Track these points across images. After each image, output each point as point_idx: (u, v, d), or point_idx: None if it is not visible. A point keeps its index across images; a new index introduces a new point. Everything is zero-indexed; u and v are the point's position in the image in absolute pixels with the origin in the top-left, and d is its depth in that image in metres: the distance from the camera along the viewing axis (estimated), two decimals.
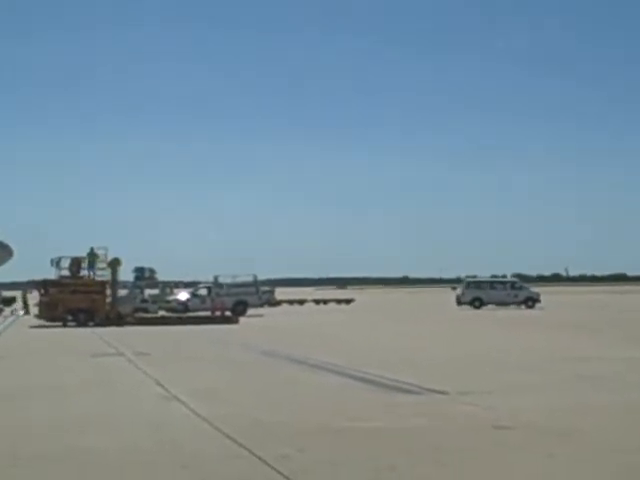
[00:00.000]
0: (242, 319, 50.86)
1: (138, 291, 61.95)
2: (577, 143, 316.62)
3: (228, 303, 58.60)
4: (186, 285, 73.02)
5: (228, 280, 63.94)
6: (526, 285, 77.87)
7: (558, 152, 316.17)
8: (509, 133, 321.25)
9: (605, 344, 28.92)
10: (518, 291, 72.03)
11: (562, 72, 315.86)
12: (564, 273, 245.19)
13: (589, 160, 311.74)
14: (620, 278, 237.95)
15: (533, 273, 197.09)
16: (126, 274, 61.19)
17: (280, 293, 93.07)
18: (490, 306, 69.58)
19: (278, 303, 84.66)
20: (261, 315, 58.64)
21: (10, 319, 58.93)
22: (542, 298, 71.71)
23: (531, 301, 70.22)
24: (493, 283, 75.09)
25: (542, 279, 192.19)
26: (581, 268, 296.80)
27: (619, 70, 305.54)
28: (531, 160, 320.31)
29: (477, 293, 71.57)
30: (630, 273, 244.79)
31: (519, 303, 70.11)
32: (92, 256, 50.38)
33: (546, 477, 9.44)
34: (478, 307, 69.47)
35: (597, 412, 13.69)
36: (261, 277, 70.20)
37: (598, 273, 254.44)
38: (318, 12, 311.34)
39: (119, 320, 46.61)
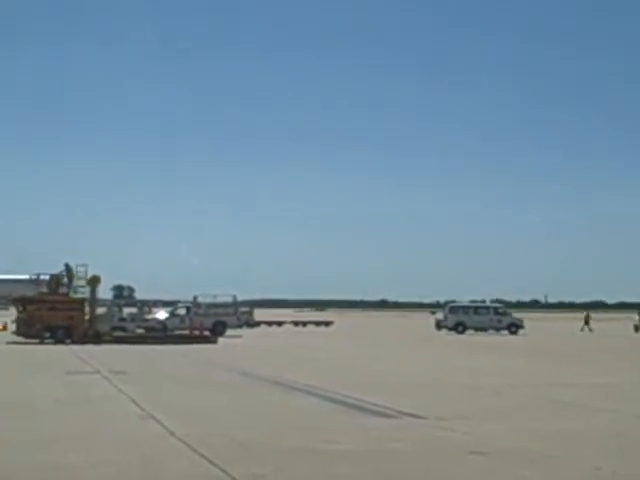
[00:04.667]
0: (220, 339, 50.69)
1: (116, 309, 61.61)
2: (554, 168, 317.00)
3: (207, 323, 58.32)
4: (165, 304, 72.71)
5: (207, 300, 63.69)
6: (509, 311, 77.78)
7: (536, 176, 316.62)
8: (485, 158, 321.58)
9: (585, 371, 28.96)
10: (501, 317, 71.79)
11: (540, 97, 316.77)
12: (543, 299, 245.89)
13: (570, 186, 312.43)
14: (599, 305, 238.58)
15: (511, 299, 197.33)
16: (105, 292, 60.94)
17: (259, 314, 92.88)
18: (470, 331, 69.48)
19: (257, 324, 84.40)
20: (240, 336, 58.48)
21: None
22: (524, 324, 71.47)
23: (514, 327, 69.89)
24: (477, 308, 74.89)
25: (521, 305, 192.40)
26: (559, 295, 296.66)
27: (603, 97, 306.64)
28: (509, 186, 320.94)
29: (460, 318, 71.39)
30: (609, 300, 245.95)
31: (502, 329, 69.94)
32: (68, 271, 50.18)
33: None
34: (461, 332, 69.35)
35: (571, 438, 13.71)
36: (240, 298, 70.04)
37: (577, 300, 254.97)
38: (306, 32, 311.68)
39: (97, 338, 46.29)
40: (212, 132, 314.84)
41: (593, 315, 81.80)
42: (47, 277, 50.35)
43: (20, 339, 46.83)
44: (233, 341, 51.44)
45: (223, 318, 61.99)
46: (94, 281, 49.98)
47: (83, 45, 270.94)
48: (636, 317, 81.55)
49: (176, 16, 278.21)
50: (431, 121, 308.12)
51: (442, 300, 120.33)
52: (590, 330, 75.75)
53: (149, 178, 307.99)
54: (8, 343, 44.87)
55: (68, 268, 50.47)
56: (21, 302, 49.23)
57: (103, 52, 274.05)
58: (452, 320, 71.58)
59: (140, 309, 64.86)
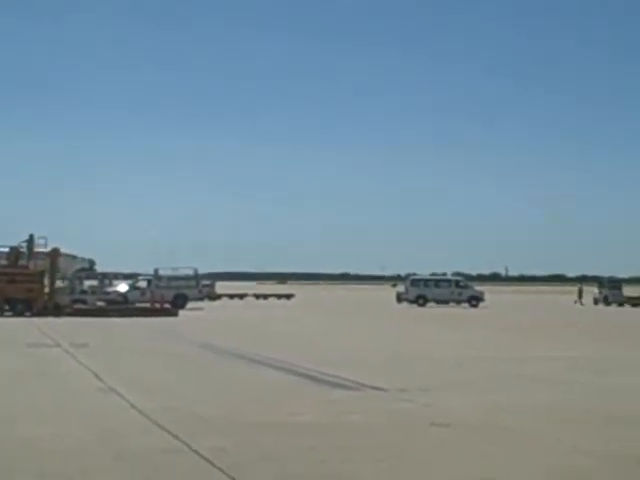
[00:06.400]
0: (182, 312, 50.59)
1: (77, 282, 61.37)
2: (515, 142, 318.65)
3: (168, 296, 58.17)
4: (126, 277, 72.47)
5: (168, 273, 63.66)
6: (470, 284, 78.29)
7: (498, 151, 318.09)
8: (447, 132, 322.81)
9: (548, 344, 29.14)
10: (462, 290, 72.28)
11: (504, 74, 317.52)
12: (504, 272, 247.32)
13: (530, 160, 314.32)
14: (559, 278, 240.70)
15: (472, 272, 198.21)
16: None
17: (220, 287, 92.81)
18: (431, 304, 69.87)
19: (218, 297, 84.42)
20: (201, 308, 58.44)
21: None
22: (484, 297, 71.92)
23: (475, 300, 70.41)
24: (438, 281, 75.31)
25: (481, 278, 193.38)
26: (520, 268, 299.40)
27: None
28: (470, 158, 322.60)
29: (421, 291, 71.77)
30: (569, 274, 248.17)
31: (463, 301, 70.38)
32: (30, 243, 49.89)
33: (479, 474, 9.46)
34: (422, 305, 69.72)
35: (532, 411, 13.79)
36: (202, 270, 70.01)
37: (538, 273, 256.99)
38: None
39: (57, 311, 46.13)
40: (174, 106, 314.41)
41: (552, 289, 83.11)
42: (6, 250, 49.98)
43: None
44: (194, 314, 51.38)
45: (184, 291, 62.01)
46: (54, 253, 49.73)
47: (51, 16, 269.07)
48: (595, 290, 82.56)
49: None
50: (408, 99, 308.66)
51: (403, 273, 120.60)
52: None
53: (111, 152, 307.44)
54: None
55: (31, 239, 50.20)
56: None
57: (76, 22, 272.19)
58: (413, 293, 72.00)
59: (101, 282, 64.67)
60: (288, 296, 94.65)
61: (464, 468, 9.69)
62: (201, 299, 65.23)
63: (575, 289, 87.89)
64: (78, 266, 64.32)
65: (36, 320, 41.15)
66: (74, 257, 61.50)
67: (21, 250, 50.23)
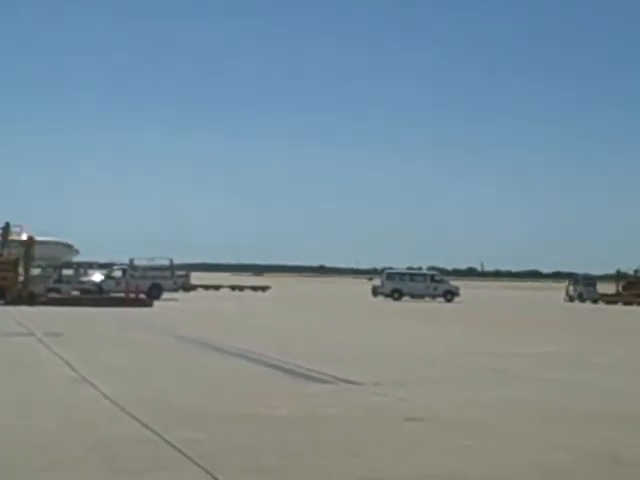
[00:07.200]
0: (156, 303, 50.33)
1: (52, 271, 61.15)
2: (492, 137, 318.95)
3: (143, 286, 57.89)
4: (101, 266, 72.24)
5: (144, 263, 63.46)
6: (445, 278, 78.56)
7: (475, 145, 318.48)
8: (424, 126, 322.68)
9: (524, 340, 29.17)
10: (438, 284, 72.51)
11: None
12: (479, 267, 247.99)
13: (508, 157, 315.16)
14: (534, 274, 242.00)
15: (447, 266, 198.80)
16: None
17: (196, 278, 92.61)
18: (406, 298, 69.97)
19: (193, 288, 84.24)
20: (176, 299, 58.22)
21: None
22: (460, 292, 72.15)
23: (450, 294, 70.68)
24: (413, 275, 75.57)
25: (457, 273, 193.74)
26: (496, 264, 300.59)
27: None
28: (449, 153, 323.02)
29: (397, 285, 71.91)
30: (544, 270, 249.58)
31: (438, 296, 70.58)
32: (5, 231, 49.57)
33: (454, 469, 9.39)
34: (397, 299, 69.84)
35: (508, 407, 13.75)
36: (177, 261, 69.82)
37: (513, 269, 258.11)
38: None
39: (31, 299, 45.84)
40: (150, 100, 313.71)
41: (528, 285, 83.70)
42: None
43: None
44: (169, 304, 51.19)
45: (159, 281, 61.82)
46: (29, 242, 49.44)
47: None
48: (570, 287, 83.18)
49: None
50: (384, 88, 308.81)
51: (379, 267, 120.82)
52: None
53: (87, 143, 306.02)
54: None
55: (7, 227, 49.87)
56: None
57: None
58: (388, 287, 72.10)
59: (75, 271, 64.45)
60: (264, 288, 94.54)
61: (439, 463, 9.63)
62: (176, 290, 65.09)
63: (551, 285, 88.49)
64: (72, 255, 64.27)
65: (10, 309, 40.87)
66: (69, 246, 61.41)
67: None
